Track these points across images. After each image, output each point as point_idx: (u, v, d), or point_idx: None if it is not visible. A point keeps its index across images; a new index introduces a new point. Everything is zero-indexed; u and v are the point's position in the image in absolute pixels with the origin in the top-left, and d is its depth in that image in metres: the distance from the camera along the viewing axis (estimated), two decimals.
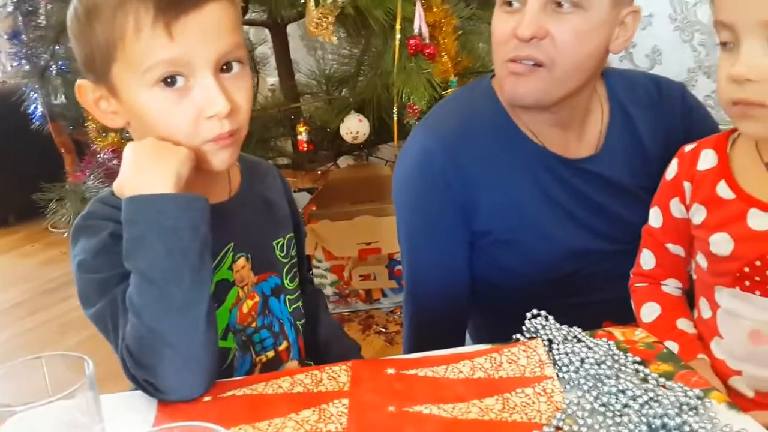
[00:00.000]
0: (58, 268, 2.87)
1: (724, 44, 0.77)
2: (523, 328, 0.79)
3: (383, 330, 1.99)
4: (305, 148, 2.01)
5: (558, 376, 0.68)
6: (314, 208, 2.09)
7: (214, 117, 0.75)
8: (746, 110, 0.75)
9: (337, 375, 0.72)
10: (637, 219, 1.18)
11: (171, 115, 0.75)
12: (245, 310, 0.89)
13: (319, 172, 2.33)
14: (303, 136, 2.01)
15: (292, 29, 2.38)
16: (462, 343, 1.25)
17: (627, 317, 1.07)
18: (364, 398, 0.67)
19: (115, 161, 1.95)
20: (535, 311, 0.79)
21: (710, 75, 2.67)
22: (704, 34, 2.63)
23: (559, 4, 0.97)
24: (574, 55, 0.99)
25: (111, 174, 1.96)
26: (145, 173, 0.73)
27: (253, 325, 0.90)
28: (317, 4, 1.66)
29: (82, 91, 0.80)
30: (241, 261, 0.88)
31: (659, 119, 1.18)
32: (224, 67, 0.77)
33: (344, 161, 2.50)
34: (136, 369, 0.71)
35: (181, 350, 0.70)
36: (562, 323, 0.79)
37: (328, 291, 2.14)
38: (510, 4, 1.01)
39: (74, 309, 2.39)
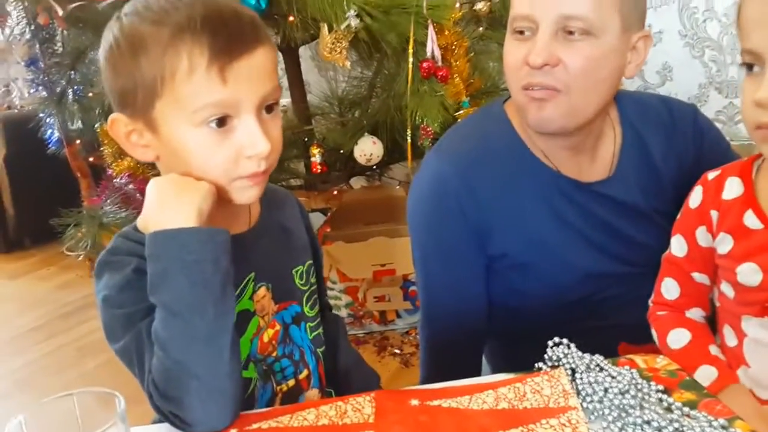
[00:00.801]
0: (74, 292, 2.89)
1: (749, 68, 0.77)
2: (545, 356, 0.79)
3: (398, 352, 1.99)
4: (319, 170, 2.02)
5: (582, 406, 0.68)
6: (328, 230, 2.10)
7: (254, 156, 0.77)
8: None
9: (361, 406, 0.72)
10: (651, 241, 1.18)
11: (212, 153, 0.77)
12: (266, 339, 0.89)
13: (335, 192, 2.34)
14: (317, 158, 2.02)
15: (302, 50, 2.40)
16: (479, 367, 1.25)
17: (642, 340, 1.07)
18: (390, 431, 0.67)
19: (131, 186, 1.97)
20: (557, 339, 0.79)
21: (722, 91, 2.67)
22: (714, 50, 2.64)
23: (570, 32, 0.97)
24: (587, 82, 1.00)
25: (127, 199, 1.98)
26: (168, 209, 0.75)
27: (274, 354, 0.90)
28: (331, 29, 1.68)
29: (115, 125, 0.81)
30: (262, 291, 0.89)
31: (671, 141, 1.18)
32: (266, 108, 0.79)
33: (356, 181, 2.51)
34: (162, 402, 0.72)
35: (206, 381, 0.71)
36: (577, 346, 0.79)
37: (343, 312, 2.14)
38: (522, 32, 1.02)
39: (92, 332, 2.41)
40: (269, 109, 0.79)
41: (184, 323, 0.71)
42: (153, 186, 0.78)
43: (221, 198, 0.79)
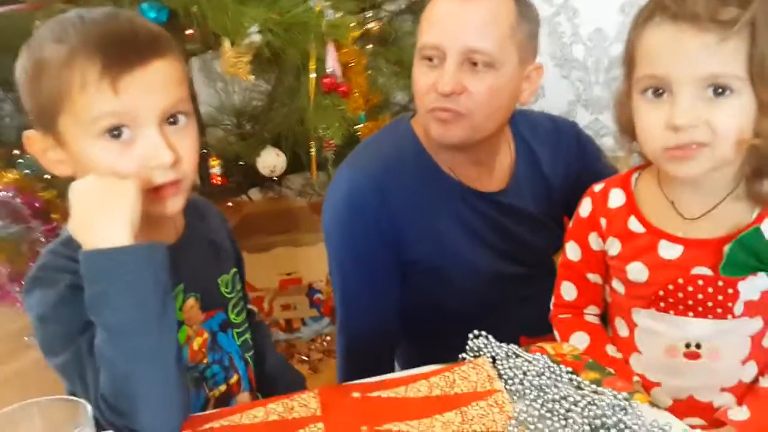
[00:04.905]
0: None
1: (656, 94, 0.84)
2: (467, 347, 0.88)
3: (306, 358, 2.02)
4: (219, 182, 2.02)
5: (506, 388, 0.78)
6: None
7: (157, 167, 0.79)
8: (688, 153, 0.82)
9: (306, 402, 0.77)
10: (543, 243, 1.33)
11: (116, 165, 0.78)
12: (195, 347, 0.92)
13: (230, 204, 2.33)
14: (216, 170, 2.02)
15: (191, 62, 2.38)
16: (392, 369, 1.33)
17: (537, 333, 1.18)
18: (338, 420, 0.73)
19: (19, 200, 1.87)
20: (476, 332, 0.89)
21: (588, 107, 2.94)
22: (581, 71, 2.90)
23: (475, 64, 1.10)
24: (488, 108, 1.13)
25: (15, 213, 1.88)
26: (99, 224, 0.76)
27: (204, 361, 0.93)
28: (233, 43, 1.70)
29: (30, 141, 0.83)
30: (191, 301, 0.92)
31: (558, 154, 1.33)
32: (170, 119, 0.81)
33: (253, 192, 2.52)
34: (114, 416, 0.74)
35: (156, 394, 0.74)
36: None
37: None
38: (430, 59, 1.13)
39: None
40: (175, 120, 0.81)
41: (128, 343, 0.73)
42: (76, 194, 0.78)
43: (146, 209, 0.80)
